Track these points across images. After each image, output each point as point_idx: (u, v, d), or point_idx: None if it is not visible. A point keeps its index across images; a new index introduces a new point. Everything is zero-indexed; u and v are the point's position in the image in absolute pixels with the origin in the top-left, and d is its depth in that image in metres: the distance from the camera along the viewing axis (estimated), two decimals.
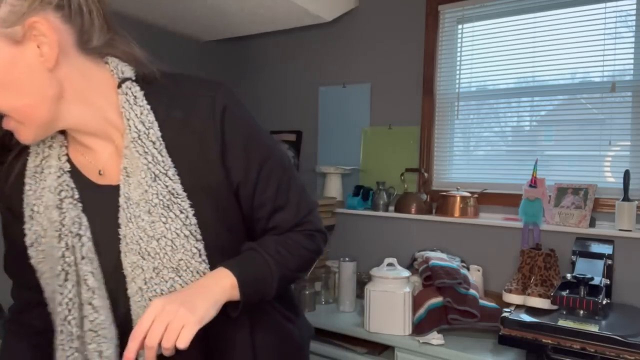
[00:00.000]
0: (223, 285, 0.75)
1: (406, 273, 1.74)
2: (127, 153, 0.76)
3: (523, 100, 2.08)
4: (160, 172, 0.75)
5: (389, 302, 1.67)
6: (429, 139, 2.24)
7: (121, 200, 0.76)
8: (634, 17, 1.84)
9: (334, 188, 2.37)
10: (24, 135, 0.73)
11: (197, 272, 0.77)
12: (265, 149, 0.84)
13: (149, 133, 0.75)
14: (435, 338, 1.61)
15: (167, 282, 0.76)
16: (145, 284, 0.76)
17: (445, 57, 2.23)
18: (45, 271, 0.79)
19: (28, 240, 0.79)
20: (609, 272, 1.70)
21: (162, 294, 0.76)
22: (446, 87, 2.23)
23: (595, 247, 1.77)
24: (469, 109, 2.20)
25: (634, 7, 1.84)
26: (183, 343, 0.67)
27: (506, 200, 2.03)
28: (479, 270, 1.95)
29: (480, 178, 2.15)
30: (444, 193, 2.10)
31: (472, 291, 1.72)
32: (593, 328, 1.41)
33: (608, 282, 1.66)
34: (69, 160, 0.80)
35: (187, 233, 0.76)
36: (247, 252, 0.82)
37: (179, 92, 0.79)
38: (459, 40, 2.20)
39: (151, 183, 0.75)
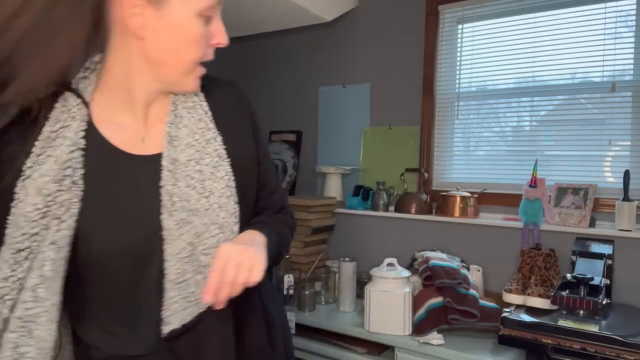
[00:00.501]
0: (262, 241, 0.83)
1: (406, 273, 1.74)
2: (173, 120, 0.82)
3: (523, 100, 2.08)
4: (212, 137, 0.83)
5: (389, 302, 1.67)
6: (429, 139, 2.24)
7: (165, 162, 0.80)
8: (634, 17, 1.84)
9: (334, 188, 2.37)
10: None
11: (232, 232, 0.82)
12: (266, 139, 0.98)
13: (202, 104, 0.85)
14: (435, 338, 1.61)
15: (214, 237, 0.80)
16: (198, 237, 0.79)
17: (445, 57, 2.23)
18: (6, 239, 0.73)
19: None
20: (609, 272, 1.70)
21: (211, 248, 0.80)
22: (446, 87, 2.23)
23: (595, 247, 1.77)
24: (469, 109, 2.20)
25: (634, 7, 1.84)
26: (257, 277, 0.74)
27: (506, 200, 2.03)
28: (479, 270, 1.95)
29: (480, 178, 2.15)
30: (444, 193, 2.10)
31: (472, 291, 1.72)
32: (593, 328, 1.41)
33: (608, 282, 1.66)
34: (97, 134, 0.80)
35: (229, 194, 0.82)
36: (260, 223, 0.90)
37: (210, 80, 0.88)
38: (459, 40, 2.20)
39: (205, 145, 0.82)
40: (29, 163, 0.73)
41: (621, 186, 1.76)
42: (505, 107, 2.12)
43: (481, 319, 1.65)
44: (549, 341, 1.43)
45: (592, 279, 1.55)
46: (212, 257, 0.78)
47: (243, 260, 0.74)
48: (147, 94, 0.81)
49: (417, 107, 2.26)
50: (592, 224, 1.81)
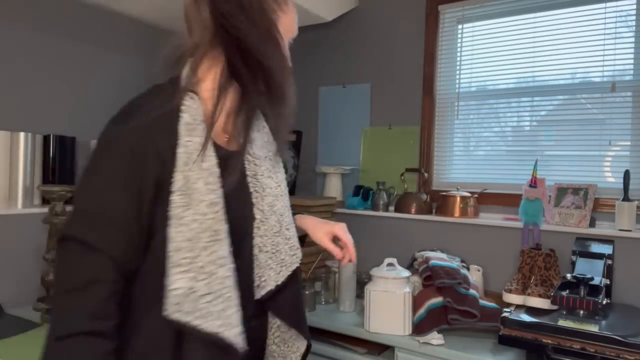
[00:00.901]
0: None
1: (406, 273, 1.74)
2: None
3: (523, 100, 2.08)
4: (270, 138, 1.04)
5: (389, 302, 1.67)
6: (429, 139, 2.24)
7: (250, 157, 0.99)
8: (634, 17, 1.84)
9: (334, 188, 2.37)
10: None
11: (290, 212, 1.09)
12: None
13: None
14: (435, 338, 1.61)
15: (289, 216, 1.06)
16: (281, 216, 1.02)
17: (445, 57, 2.23)
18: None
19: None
20: (609, 272, 1.70)
21: (290, 224, 1.05)
22: (446, 87, 2.23)
23: (595, 247, 1.77)
24: (469, 109, 2.20)
25: (634, 7, 1.84)
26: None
27: (506, 200, 2.03)
28: (479, 270, 1.95)
29: (480, 178, 2.15)
30: (444, 193, 2.10)
31: (472, 291, 1.71)
32: (593, 328, 1.41)
33: (608, 282, 1.66)
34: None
35: (285, 182, 1.07)
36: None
37: None
38: (459, 40, 2.20)
39: (271, 143, 1.04)
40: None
41: (621, 186, 1.76)
42: (505, 107, 2.12)
43: (481, 319, 1.65)
44: (549, 341, 1.43)
45: (592, 279, 1.55)
46: (292, 230, 1.05)
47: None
48: None
49: (417, 107, 2.26)
50: (592, 224, 1.81)
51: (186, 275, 0.81)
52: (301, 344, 1.07)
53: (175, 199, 0.82)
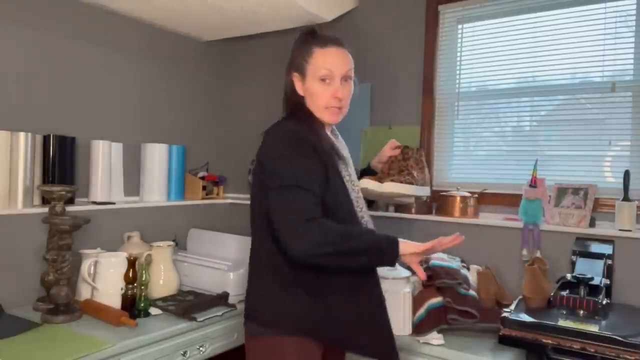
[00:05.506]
0: None
1: (406, 273, 1.74)
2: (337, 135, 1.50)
3: (523, 100, 2.08)
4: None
5: (389, 302, 1.66)
6: (429, 139, 2.24)
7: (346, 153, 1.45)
8: (634, 17, 1.84)
9: None
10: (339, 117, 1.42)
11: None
12: None
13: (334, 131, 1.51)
14: (435, 338, 1.61)
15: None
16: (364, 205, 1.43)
17: (445, 57, 2.23)
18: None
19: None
20: (609, 272, 1.70)
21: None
22: (446, 87, 2.23)
23: (595, 247, 1.77)
24: (469, 109, 2.20)
25: (634, 7, 1.84)
26: None
27: (506, 200, 2.03)
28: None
29: (480, 178, 2.15)
30: (444, 193, 2.10)
31: (472, 292, 1.72)
32: (593, 328, 1.41)
33: (608, 282, 1.66)
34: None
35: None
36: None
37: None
38: (459, 40, 2.20)
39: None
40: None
41: (621, 186, 1.76)
42: (505, 107, 2.12)
43: (481, 319, 1.65)
44: (549, 341, 1.43)
45: (592, 279, 1.55)
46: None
47: None
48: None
49: (417, 107, 2.26)
50: (592, 224, 1.81)
51: None
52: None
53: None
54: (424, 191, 1.76)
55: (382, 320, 1.36)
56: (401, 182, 1.64)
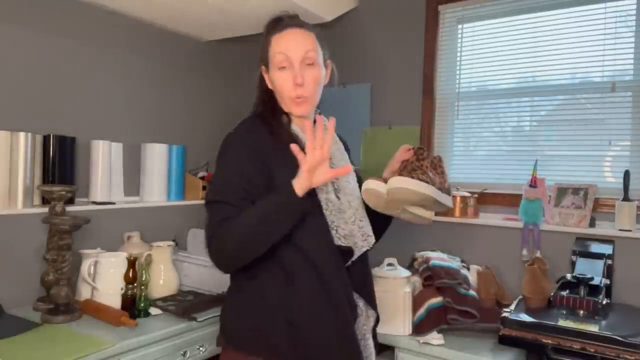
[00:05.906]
0: None
1: (406, 273, 1.74)
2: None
3: (523, 100, 2.08)
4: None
5: (389, 302, 1.67)
6: (429, 139, 2.24)
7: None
8: (634, 17, 1.84)
9: None
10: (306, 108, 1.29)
11: None
12: None
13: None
14: (435, 338, 1.61)
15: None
16: (357, 209, 1.32)
17: (445, 57, 2.23)
18: None
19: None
20: (609, 272, 1.70)
21: (364, 216, 1.32)
22: (446, 87, 2.23)
23: (595, 247, 1.77)
24: (469, 109, 2.20)
25: (634, 7, 1.84)
26: None
27: (506, 200, 2.03)
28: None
29: (480, 178, 2.15)
30: None
31: (472, 292, 1.72)
32: (593, 328, 1.41)
33: (608, 282, 1.66)
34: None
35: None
36: None
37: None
38: (459, 40, 2.20)
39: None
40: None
41: (621, 186, 1.76)
42: (505, 107, 2.12)
43: (481, 319, 1.65)
44: (549, 341, 1.43)
45: (592, 279, 1.55)
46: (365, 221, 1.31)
47: None
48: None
49: (417, 107, 2.26)
50: (592, 224, 1.81)
51: None
52: (371, 313, 1.28)
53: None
54: (446, 199, 1.34)
55: (351, 346, 1.17)
56: (412, 177, 1.29)
